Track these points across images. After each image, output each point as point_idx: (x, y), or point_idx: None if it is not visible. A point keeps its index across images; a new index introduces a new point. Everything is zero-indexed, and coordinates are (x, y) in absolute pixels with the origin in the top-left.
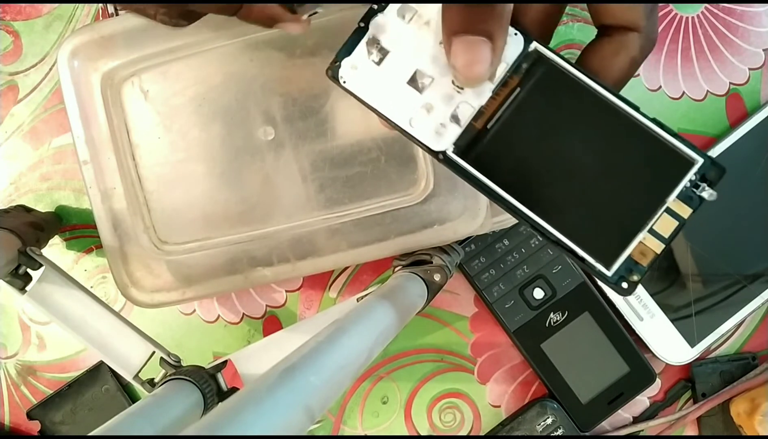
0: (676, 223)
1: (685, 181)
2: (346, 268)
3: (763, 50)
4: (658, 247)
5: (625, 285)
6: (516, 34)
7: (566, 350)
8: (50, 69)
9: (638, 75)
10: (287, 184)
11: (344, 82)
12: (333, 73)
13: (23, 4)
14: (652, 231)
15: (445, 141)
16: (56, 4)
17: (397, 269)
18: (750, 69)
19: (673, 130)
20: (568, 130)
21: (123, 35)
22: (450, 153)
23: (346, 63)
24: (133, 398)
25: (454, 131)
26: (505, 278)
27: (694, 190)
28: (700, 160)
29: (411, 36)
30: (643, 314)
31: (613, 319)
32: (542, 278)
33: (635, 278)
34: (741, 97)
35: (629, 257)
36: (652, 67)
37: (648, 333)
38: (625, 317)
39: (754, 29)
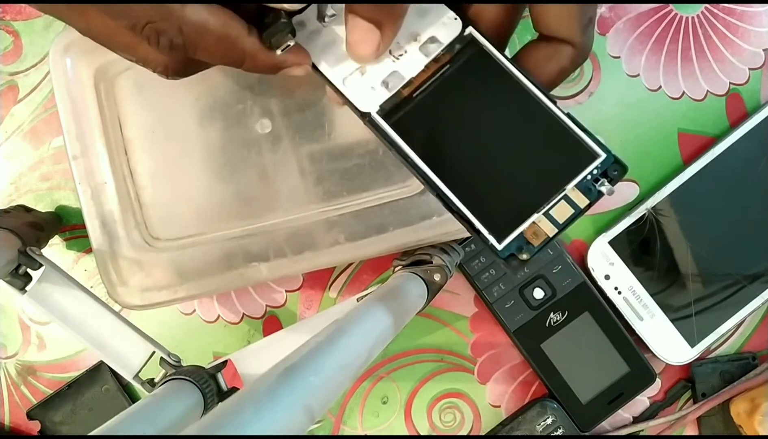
0: (572, 210)
1: (586, 173)
2: (346, 268)
3: (763, 50)
4: (551, 230)
5: (514, 262)
6: (456, 18)
7: (566, 350)
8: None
9: (638, 75)
10: (284, 177)
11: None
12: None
13: (23, 4)
14: (547, 215)
15: (373, 103)
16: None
17: (397, 268)
18: (750, 69)
19: (584, 125)
20: (487, 110)
21: None
22: (374, 114)
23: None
24: (133, 398)
25: (382, 95)
26: (505, 278)
27: (594, 183)
28: (603, 155)
29: None
30: (643, 314)
31: (613, 319)
32: (542, 278)
33: (524, 256)
34: (741, 97)
35: (521, 235)
36: (652, 67)
37: (648, 333)
38: (625, 317)
39: (754, 29)
